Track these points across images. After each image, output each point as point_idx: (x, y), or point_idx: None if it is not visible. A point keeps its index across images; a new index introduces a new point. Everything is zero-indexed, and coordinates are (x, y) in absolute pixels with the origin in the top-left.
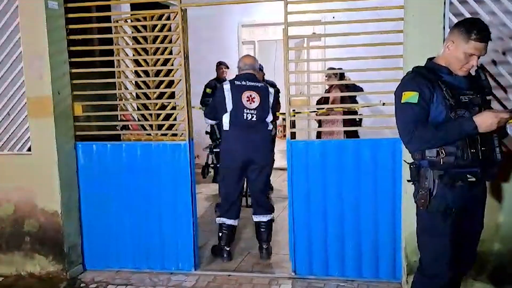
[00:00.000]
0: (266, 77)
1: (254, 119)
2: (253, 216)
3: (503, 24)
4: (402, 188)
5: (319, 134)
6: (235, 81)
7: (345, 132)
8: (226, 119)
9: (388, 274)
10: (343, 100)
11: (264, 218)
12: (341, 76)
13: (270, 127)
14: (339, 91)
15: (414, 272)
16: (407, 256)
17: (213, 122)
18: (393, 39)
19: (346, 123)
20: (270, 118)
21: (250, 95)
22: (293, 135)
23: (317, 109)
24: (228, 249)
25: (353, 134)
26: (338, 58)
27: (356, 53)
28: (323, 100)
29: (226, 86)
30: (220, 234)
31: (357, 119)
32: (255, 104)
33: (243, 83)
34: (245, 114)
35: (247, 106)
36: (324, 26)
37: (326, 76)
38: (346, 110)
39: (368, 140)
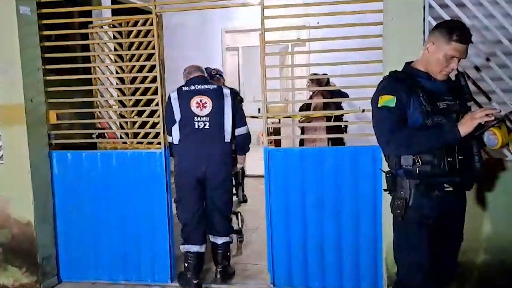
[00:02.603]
0: (251, 86)
1: (207, 127)
2: (208, 235)
3: (485, 28)
4: (382, 197)
5: (302, 142)
6: (183, 87)
7: (330, 139)
8: (175, 131)
9: (370, 284)
10: (327, 106)
11: (219, 240)
12: (326, 82)
13: (228, 137)
14: (322, 97)
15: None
16: (387, 266)
17: (171, 139)
18: (376, 44)
19: (331, 130)
20: (228, 125)
21: (201, 100)
22: (278, 143)
23: (302, 116)
24: (196, 282)
25: (338, 142)
26: (316, 63)
27: (339, 59)
28: (305, 107)
29: (173, 94)
30: (186, 264)
31: (342, 126)
32: (207, 110)
33: (192, 87)
34: (195, 123)
35: (197, 113)
36: (309, 30)
37: (307, 82)
38: (330, 117)
39: (347, 147)
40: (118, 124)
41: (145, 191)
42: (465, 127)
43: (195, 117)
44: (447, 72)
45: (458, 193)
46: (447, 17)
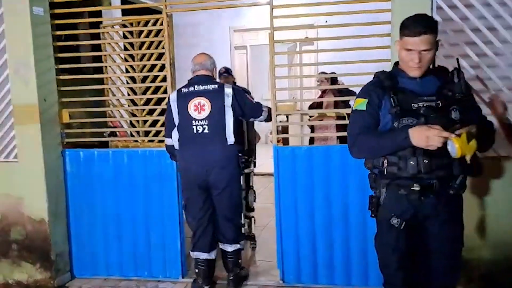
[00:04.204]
0: (259, 84)
1: (206, 131)
2: (218, 242)
3: (493, 28)
4: None
5: (312, 140)
6: (182, 89)
7: (338, 137)
8: (175, 136)
9: (378, 282)
10: (336, 105)
11: (228, 248)
12: (334, 81)
13: (231, 140)
14: (333, 95)
15: None
16: None
17: (170, 141)
18: (385, 43)
19: (339, 128)
20: (230, 126)
21: (199, 103)
22: (285, 141)
23: (309, 115)
24: (207, 287)
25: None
26: (324, 62)
27: (347, 58)
28: (315, 105)
29: (172, 96)
30: (197, 270)
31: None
32: (205, 113)
33: (191, 89)
34: (194, 127)
35: (195, 116)
36: (317, 29)
37: (318, 81)
38: (340, 115)
39: None
40: (129, 123)
41: (156, 189)
42: (417, 140)
43: (193, 121)
44: (413, 67)
45: (439, 196)
46: (455, 18)
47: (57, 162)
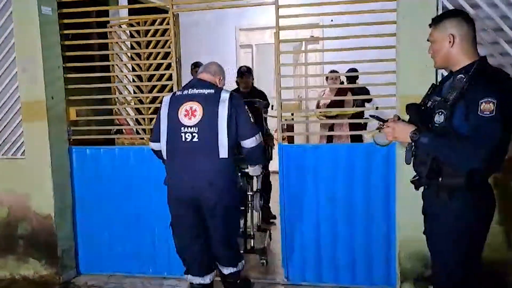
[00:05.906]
0: (264, 83)
1: (195, 139)
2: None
3: (500, 29)
4: (396, 194)
5: (329, 139)
6: (177, 92)
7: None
8: (163, 143)
9: (382, 281)
10: (347, 104)
11: (225, 271)
12: (352, 79)
13: (224, 153)
14: (351, 94)
15: (407, 279)
16: (400, 262)
17: (156, 146)
18: (391, 43)
19: (350, 127)
20: (223, 137)
21: (191, 108)
22: (291, 139)
23: (320, 112)
24: None
25: (358, 139)
26: (331, 61)
27: (352, 57)
28: (332, 104)
29: (166, 99)
30: None
31: (362, 123)
32: (195, 119)
33: (185, 92)
34: (182, 135)
35: (184, 122)
36: (322, 29)
37: (330, 79)
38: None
39: (361, 144)
40: (135, 121)
41: (161, 186)
42: None
43: (182, 128)
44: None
45: (431, 192)
46: None
47: (63, 159)
